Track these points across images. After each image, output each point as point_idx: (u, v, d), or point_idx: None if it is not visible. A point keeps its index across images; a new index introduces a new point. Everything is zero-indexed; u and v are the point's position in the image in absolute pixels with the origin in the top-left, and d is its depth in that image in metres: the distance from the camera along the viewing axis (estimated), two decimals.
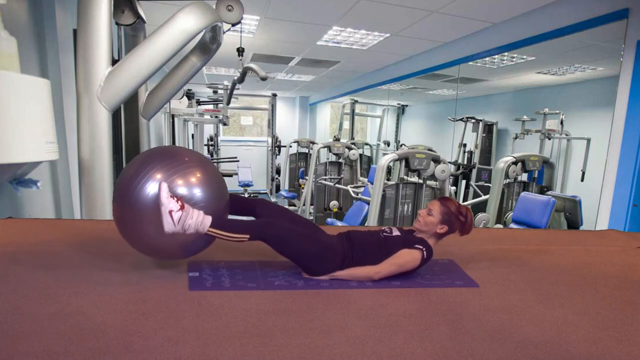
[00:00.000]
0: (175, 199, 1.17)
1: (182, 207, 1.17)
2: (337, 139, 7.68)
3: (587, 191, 4.17)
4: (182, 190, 1.20)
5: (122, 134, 2.98)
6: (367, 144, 9.06)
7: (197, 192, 1.23)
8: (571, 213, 3.74)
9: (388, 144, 8.79)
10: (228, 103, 5.74)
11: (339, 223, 4.71)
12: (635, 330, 1.09)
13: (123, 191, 1.24)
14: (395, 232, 1.41)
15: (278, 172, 9.57)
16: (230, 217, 1.38)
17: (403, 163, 3.74)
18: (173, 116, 5.58)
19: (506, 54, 4.34)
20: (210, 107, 6.34)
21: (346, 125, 9.57)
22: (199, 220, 1.19)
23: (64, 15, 2.62)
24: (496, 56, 4.44)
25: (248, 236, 1.25)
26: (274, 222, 1.32)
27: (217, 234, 1.23)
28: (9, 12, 2.01)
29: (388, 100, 8.90)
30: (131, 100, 2.80)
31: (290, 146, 8.80)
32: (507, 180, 3.99)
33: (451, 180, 5.28)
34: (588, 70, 4.73)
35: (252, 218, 1.43)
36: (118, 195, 1.26)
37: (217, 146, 9.79)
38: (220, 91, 6.85)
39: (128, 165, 1.30)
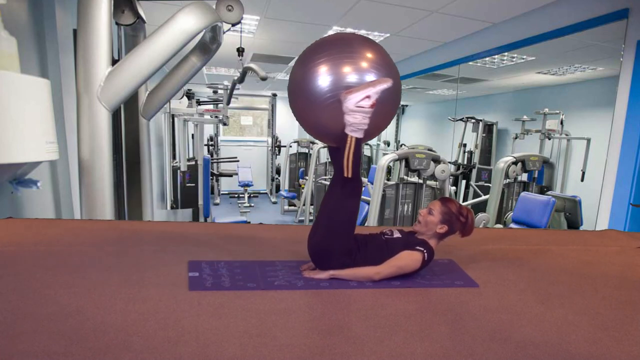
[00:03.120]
0: (375, 101, 1.17)
1: (372, 106, 1.17)
2: None
3: (587, 191, 4.18)
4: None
5: (122, 134, 2.98)
6: (367, 144, 9.06)
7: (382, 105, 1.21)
8: (571, 213, 3.75)
9: (388, 144, 8.79)
10: (228, 103, 5.74)
11: None
12: (635, 330, 1.09)
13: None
14: (396, 234, 1.41)
15: (278, 172, 9.57)
16: None
17: (403, 163, 3.74)
18: (173, 116, 5.58)
19: (506, 54, 4.35)
20: (210, 107, 6.33)
21: None
22: (361, 126, 1.19)
23: (64, 15, 2.62)
24: (496, 56, 4.44)
25: (352, 174, 1.24)
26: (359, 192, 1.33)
27: (350, 144, 1.21)
28: (9, 12, 2.01)
29: None
30: (131, 100, 2.80)
31: (290, 146, 8.80)
32: (507, 180, 3.99)
33: (451, 180, 5.28)
34: (588, 70, 4.73)
35: None
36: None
37: (217, 146, 9.80)
38: (220, 91, 6.85)
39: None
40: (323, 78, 1.20)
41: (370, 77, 1.20)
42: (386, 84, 1.18)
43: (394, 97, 1.28)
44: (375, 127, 1.28)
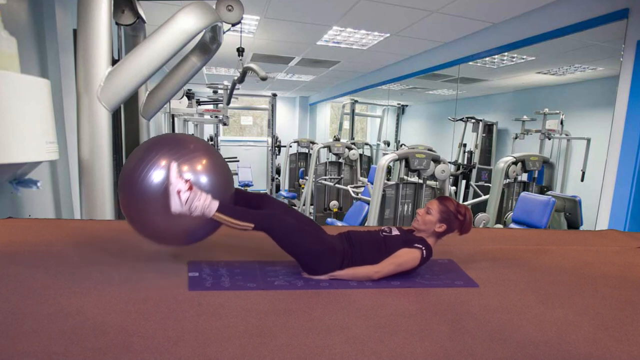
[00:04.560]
0: (184, 180, 1.18)
1: (190, 188, 1.18)
2: (337, 139, 7.68)
3: (587, 191, 4.18)
4: (187, 176, 1.22)
5: (122, 134, 2.98)
6: (367, 144, 9.06)
7: (203, 179, 1.24)
8: (571, 213, 3.74)
9: (388, 144, 8.79)
10: (228, 103, 5.74)
11: (339, 223, 4.70)
12: (635, 330, 1.09)
13: (127, 178, 1.25)
14: (395, 232, 1.41)
15: (278, 172, 9.56)
16: None
17: (403, 163, 3.74)
18: (173, 116, 5.58)
19: (506, 54, 4.35)
20: (210, 107, 6.34)
21: (346, 125, 9.57)
22: (206, 203, 1.20)
23: (64, 15, 2.62)
24: (496, 56, 4.44)
25: (253, 225, 1.25)
26: (279, 215, 1.32)
27: (222, 219, 1.24)
28: (9, 12, 2.01)
29: (388, 100, 8.91)
30: (131, 100, 2.80)
31: (290, 146, 8.79)
32: (507, 180, 3.99)
33: (451, 180, 5.28)
34: (588, 70, 4.73)
35: None
36: (123, 183, 1.27)
37: (217, 146, 9.78)
38: (220, 91, 6.85)
39: (132, 154, 1.31)
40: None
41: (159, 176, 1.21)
42: (172, 167, 1.19)
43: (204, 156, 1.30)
44: (219, 182, 1.30)
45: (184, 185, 1.18)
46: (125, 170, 1.27)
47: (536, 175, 4.16)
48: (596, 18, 2.87)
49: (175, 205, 1.17)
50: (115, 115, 2.69)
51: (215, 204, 1.22)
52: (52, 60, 2.52)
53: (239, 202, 1.41)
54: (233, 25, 2.45)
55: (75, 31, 2.29)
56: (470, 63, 4.58)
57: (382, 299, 1.21)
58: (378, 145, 9.12)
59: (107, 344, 0.90)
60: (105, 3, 2.02)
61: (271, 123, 9.37)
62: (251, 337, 0.96)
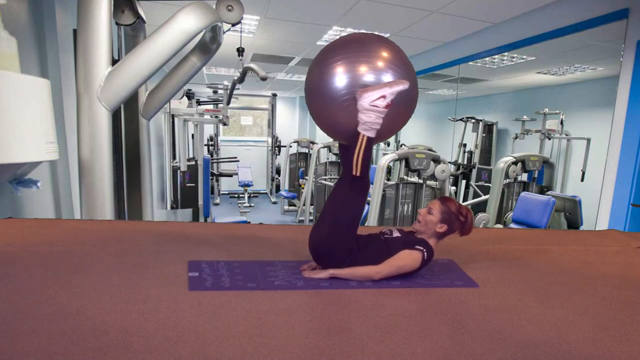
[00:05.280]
0: (393, 99, 1.18)
1: (387, 106, 1.18)
2: None
3: (587, 191, 4.18)
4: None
5: (122, 134, 2.98)
6: None
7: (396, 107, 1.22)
8: (571, 213, 3.75)
9: (388, 144, 8.79)
10: (228, 103, 5.74)
11: None
12: (635, 330, 1.09)
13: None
14: (396, 233, 1.41)
15: (278, 172, 9.57)
16: None
17: (403, 163, 3.74)
18: (173, 116, 5.58)
19: (506, 54, 4.35)
20: (210, 107, 6.33)
21: None
22: (375, 125, 1.20)
23: (64, 15, 2.62)
24: (496, 56, 4.44)
25: (360, 173, 1.25)
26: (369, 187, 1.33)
27: (361, 142, 1.22)
28: (9, 12, 2.01)
29: None
30: (131, 100, 2.80)
31: (290, 146, 8.79)
32: (507, 180, 3.99)
33: (451, 180, 5.28)
34: (588, 70, 4.73)
35: None
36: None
37: (217, 146, 9.80)
38: (220, 91, 6.85)
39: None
40: (339, 78, 1.21)
41: (387, 77, 1.20)
42: (402, 86, 1.19)
43: (409, 100, 1.29)
44: (388, 129, 1.29)
45: (389, 100, 1.16)
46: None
47: (536, 175, 4.16)
48: (596, 18, 2.87)
49: (367, 97, 1.16)
50: (115, 115, 2.69)
51: (373, 134, 1.22)
52: (52, 60, 2.52)
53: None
54: (233, 25, 2.45)
55: (75, 31, 2.29)
56: (470, 63, 4.59)
57: (382, 299, 1.21)
58: (378, 145, 9.11)
59: (107, 344, 0.90)
60: (105, 3, 2.02)
61: (271, 123, 9.37)
62: (251, 337, 0.96)
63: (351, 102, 1.20)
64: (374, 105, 1.17)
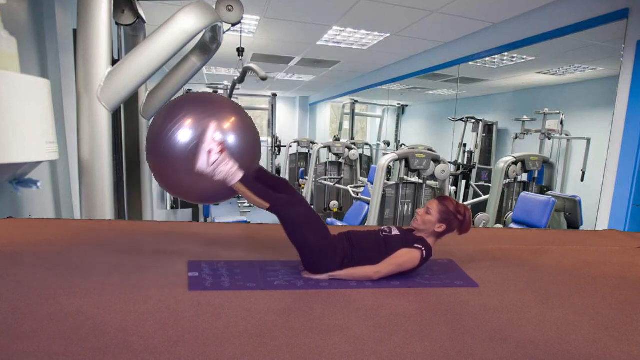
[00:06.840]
0: (218, 142, 1.18)
1: (221, 151, 1.18)
2: (337, 139, 7.68)
3: (587, 191, 4.18)
4: (220, 138, 1.21)
5: (122, 134, 2.98)
6: (367, 144, 9.07)
7: (232, 142, 1.24)
8: (571, 213, 3.75)
9: (388, 144, 8.79)
10: None
11: (339, 223, 4.70)
12: (635, 330, 1.09)
13: (156, 135, 1.26)
14: (395, 232, 1.41)
15: (278, 172, 9.56)
16: None
17: (403, 163, 3.74)
18: None
19: (506, 54, 4.35)
20: None
21: (346, 125, 9.57)
22: (232, 171, 1.21)
23: (64, 15, 2.62)
24: (496, 56, 4.44)
25: (268, 205, 1.26)
26: (295, 203, 1.32)
27: (241, 191, 1.24)
28: (9, 12, 2.01)
29: (388, 100, 8.91)
30: (131, 100, 2.80)
31: (290, 146, 8.80)
32: (507, 180, 3.99)
33: (451, 180, 5.28)
34: (588, 70, 4.73)
35: None
36: (150, 138, 1.29)
37: None
38: (220, 91, 6.85)
39: (158, 113, 1.32)
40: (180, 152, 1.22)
41: (183, 136, 1.21)
42: (211, 126, 1.19)
43: (241, 126, 1.30)
44: (248, 154, 1.30)
45: (216, 147, 1.17)
46: (154, 126, 1.28)
47: (536, 175, 4.16)
48: (596, 18, 2.87)
49: (202, 164, 1.17)
50: (115, 115, 2.69)
51: (240, 174, 1.23)
52: (52, 60, 2.52)
53: (259, 179, 1.40)
54: (233, 25, 2.45)
55: (75, 31, 2.29)
56: (470, 63, 4.59)
57: (382, 299, 1.21)
58: (378, 145, 9.12)
59: (107, 344, 0.90)
60: (105, 3, 2.02)
61: (271, 123, 9.37)
62: (251, 337, 0.96)
63: (201, 175, 1.22)
64: (213, 164, 1.19)
